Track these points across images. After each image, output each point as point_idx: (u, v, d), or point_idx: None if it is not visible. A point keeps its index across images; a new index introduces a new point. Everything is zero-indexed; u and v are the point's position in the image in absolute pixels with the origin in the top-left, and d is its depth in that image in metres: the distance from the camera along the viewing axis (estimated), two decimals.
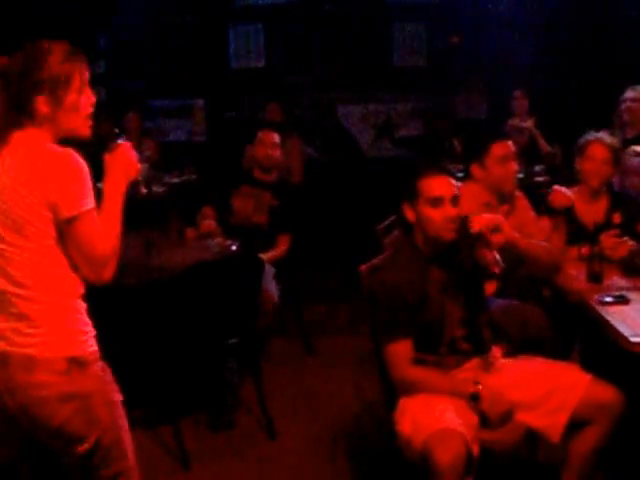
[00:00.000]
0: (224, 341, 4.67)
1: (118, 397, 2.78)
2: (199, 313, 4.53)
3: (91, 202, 2.56)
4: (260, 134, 5.90)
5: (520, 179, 5.04)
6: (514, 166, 4.46)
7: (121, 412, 2.79)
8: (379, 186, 8.11)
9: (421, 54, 10.08)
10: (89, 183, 2.55)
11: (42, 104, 2.58)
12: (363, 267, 3.88)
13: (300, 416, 5.03)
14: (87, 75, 2.67)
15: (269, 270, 5.22)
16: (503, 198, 4.50)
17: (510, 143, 4.51)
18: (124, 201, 2.68)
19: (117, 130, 2.72)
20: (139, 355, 4.74)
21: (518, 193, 4.65)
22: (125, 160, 2.73)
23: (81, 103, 2.65)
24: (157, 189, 7.47)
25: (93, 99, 2.69)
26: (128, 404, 4.91)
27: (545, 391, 3.42)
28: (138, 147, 8.15)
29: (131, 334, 4.66)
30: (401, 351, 3.44)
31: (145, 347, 4.67)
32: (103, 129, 2.71)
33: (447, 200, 3.44)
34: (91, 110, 2.69)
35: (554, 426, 3.37)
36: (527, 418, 3.39)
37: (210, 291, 4.54)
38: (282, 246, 5.68)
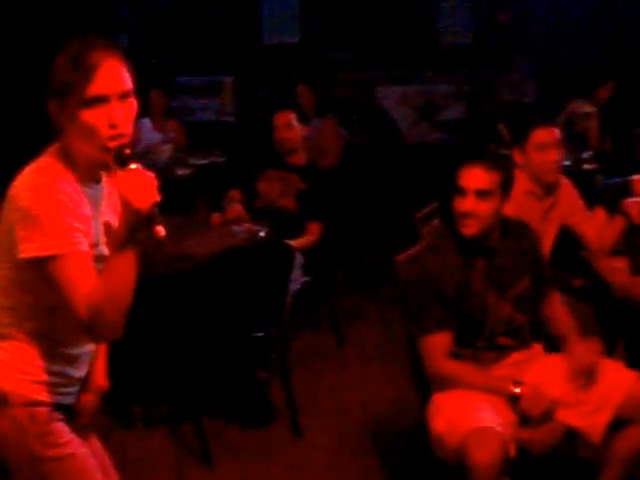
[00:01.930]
0: (252, 333, 4.71)
1: (49, 452, 2.59)
2: (225, 303, 4.58)
3: (63, 245, 2.31)
4: (274, 117, 5.97)
5: (567, 166, 5.05)
6: (554, 155, 4.41)
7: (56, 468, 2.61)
8: (418, 172, 8.17)
9: (467, 32, 10.07)
10: (63, 219, 2.33)
11: (52, 108, 2.41)
12: (400, 257, 3.94)
13: (328, 412, 5.08)
14: (109, 89, 2.35)
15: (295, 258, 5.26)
16: (547, 188, 4.51)
17: (554, 130, 4.48)
18: (136, 245, 2.30)
19: (128, 152, 2.31)
20: (162, 348, 4.82)
21: (565, 181, 4.66)
22: (136, 188, 2.22)
23: (89, 119, 2.34)
24: (181, 172, 7.55)
25: (114, 119, 2.35)
26: (150, 399, 4.99)
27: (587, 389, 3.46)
28: (162, 127, 8.25)
29: (152, 325, 4.67)
30: (438, 344, 3.50)
31: (168, 339, 4.73)
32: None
33: (470, 193, 3.49)
34: (111, 132, 2.35)
35: (595, 425, 3.40)
36: (567, 417, 3.43)
37: (237, 280, 4.59)
38: (312, 235, 5.70)
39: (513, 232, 3.69)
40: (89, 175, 2.48)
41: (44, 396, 2.57)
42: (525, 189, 4.37)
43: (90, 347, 2.71)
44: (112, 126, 2.35)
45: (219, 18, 10.11)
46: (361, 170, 7.96)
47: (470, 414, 3.32)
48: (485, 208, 3.49)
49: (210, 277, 4.52)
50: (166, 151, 7.89)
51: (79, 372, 2.71)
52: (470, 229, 3.51)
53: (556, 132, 4.49)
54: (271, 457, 4.62)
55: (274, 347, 4.94)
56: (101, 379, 2.95)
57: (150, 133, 8.09)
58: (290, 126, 5.90)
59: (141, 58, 9.85)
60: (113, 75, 2.37)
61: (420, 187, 7.05)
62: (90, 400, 2.89)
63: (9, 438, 2.55)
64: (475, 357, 3.58)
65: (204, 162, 7.93)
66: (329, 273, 6.07)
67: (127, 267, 2.29)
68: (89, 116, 2.35)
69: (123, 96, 2.39)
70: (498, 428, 3.22)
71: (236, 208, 5.66)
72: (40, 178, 2.38)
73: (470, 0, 10.10)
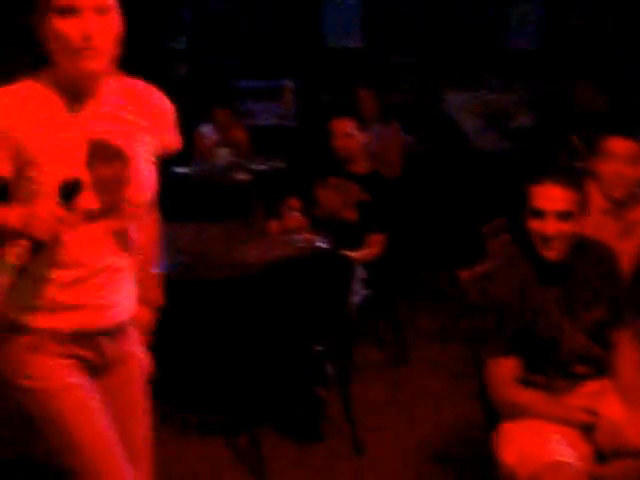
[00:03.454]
0: (309, 346, 4.66)
1: (24, 382, 2.51)
2: (281, 315, 4.51)
3: None
4: (332, 124, 5.86)
5: None
6: (624, 169, 4.19)
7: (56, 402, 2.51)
8: (486, 182, 8.04)
9: (538, 37, 9.94)
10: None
11: (34, 20, 2.33)
12: (465, 273, 3.81)
13: (390, 432, 4.98)
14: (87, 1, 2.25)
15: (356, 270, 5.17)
16: (619, 205, 4.31)
17: (630, 143, 4.23)
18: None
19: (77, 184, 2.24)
20: (216, 357, 4.77)
21: None
22: (35, 218, 2.22)
23: (60, 28, 2.25)
24: (240, 177, 7.49)
25: (87, 30, 2.24)
26: (203, 409, 4.86)
27: None
28: (228, 132, 8.19)
29: (206, 335, 4.68)
30: (506, 369, 3.37)
31: (222, 349, 4.68)
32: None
33: (550, 215, 3.35)
34: (84, 44, 2.25)
35: None
36: None
37: (294, 291, 4.51)
38: (375, 248, 5.59)
39: (590, 254, 3.54)
40: (74, 91, 2.37)
41: (33, 321, 2.48)
42: (600, 207, 4.19)
43: (91, 270, 2.52)
44: (85, 37, 2.25)
45: (281, 22, 10.07)
46: (427, 178, 7.85)
47: (544, 446, 3.19)
48: (568, 229, 3.37)
49: (267, 287, 4.45)
50: (222, 156, 7.84)
51: (86, 297, 2.53)
52: (554, 252, 3.38)
53: (632, 145, 4.26)
54: (330, 473, 4.55)
55: (333, 362, 4.87)
56: (153, 294, 2.83)
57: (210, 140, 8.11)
58: (348, 135, 5.81)
59: (200, 60, 9.88)
60: None
61: (487, 198, 6.93)
62: (145, 315, 2.79)
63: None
64: (547, 385, 3.45)
65: (264, 167, 7.87)
66: (392, 287, 5.94)
67: None
68: (61, 25, 2.25)
69: (100, 10, 2.28)
70: (575, 463, 3.09)
71: (296, 217, 5.58)
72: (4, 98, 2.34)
73: (541, 5, 9.95)
